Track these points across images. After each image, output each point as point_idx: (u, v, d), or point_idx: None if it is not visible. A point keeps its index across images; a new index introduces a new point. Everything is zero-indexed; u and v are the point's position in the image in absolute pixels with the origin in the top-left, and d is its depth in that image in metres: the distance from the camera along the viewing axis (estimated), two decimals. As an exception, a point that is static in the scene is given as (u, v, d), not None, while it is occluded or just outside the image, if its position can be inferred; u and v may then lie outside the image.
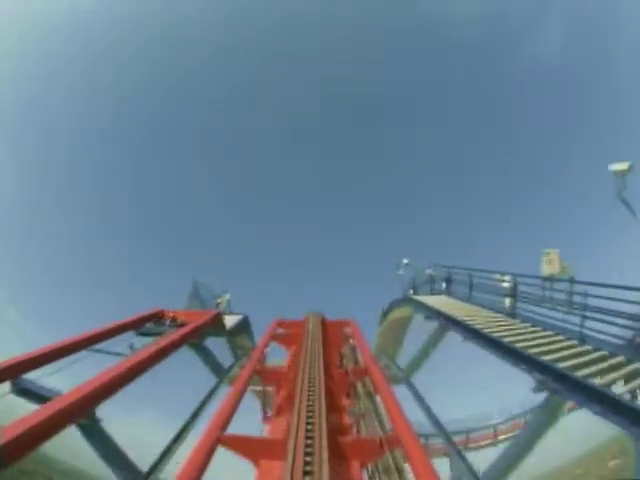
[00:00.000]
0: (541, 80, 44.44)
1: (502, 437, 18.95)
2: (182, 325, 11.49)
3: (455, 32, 44.97)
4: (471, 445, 18.96)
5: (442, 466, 7.86)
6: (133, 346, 9.48)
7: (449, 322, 10.26)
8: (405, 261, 17.97)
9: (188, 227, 64.49)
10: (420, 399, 11.05)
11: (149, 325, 11.70)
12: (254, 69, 57.67)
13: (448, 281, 14.07)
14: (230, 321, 15.07)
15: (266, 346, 9.38)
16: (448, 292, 14.04)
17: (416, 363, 12.92)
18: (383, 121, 58.52)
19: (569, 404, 6.10)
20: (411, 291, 16.76)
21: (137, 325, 11.35)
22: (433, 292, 15.46)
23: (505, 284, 10.65)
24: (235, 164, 63.13)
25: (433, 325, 11.45)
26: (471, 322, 9.41)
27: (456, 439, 14.33)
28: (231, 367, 11.45)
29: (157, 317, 12.17)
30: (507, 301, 10.22)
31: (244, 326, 15.73)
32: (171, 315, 12.18)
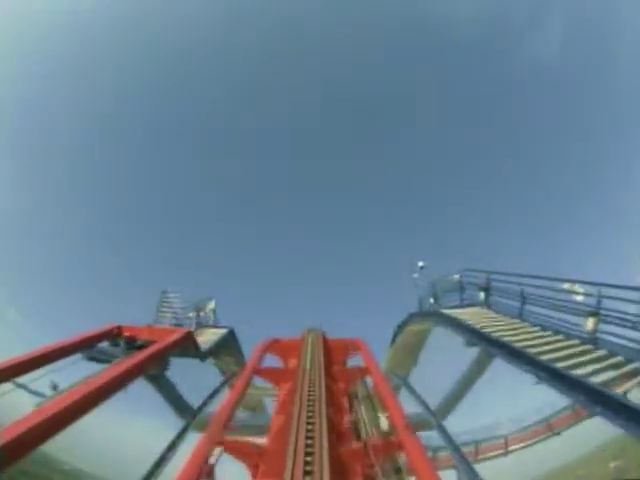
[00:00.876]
0: (541, 80, 44.24)
1: (514, 447, 17.69)
2: (142, 347, 8.72)
3: (455, 32, 44.76)
4: (480, 457, 17.60)
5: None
6: (56, 386, 6.83)
7: (503, 352, 7.31)
8: (420, 264, 15.02)
9: (186, 228, 62.57)
10: (455, 448, 8.01)
11: (102, 346, 9.03)
12: (254, 69, 56.52)
13: (486, 290, 11.04)
14: (212, 336, 12.25)
15: (243, 390, 6.53)
16: (487, 304, 11.01)
17: (451, 401, 9.87)
18: (382, 121, 57.18)
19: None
20: (431, 300, 13.74)
21: (86, 346, 8.67)
22: (463, 303, 12.51)
23: (579, 297, 7.65)
24: (234, 165, 61.51)
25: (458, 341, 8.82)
26: (542, 353, 6.47)
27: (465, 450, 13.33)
28: (200, 408, 8.53)
29: (112, 335, 9.40)
30: (589, 322, 7.22)
31: (229, 342, 12.89)
32: (127, 334, 9.40)
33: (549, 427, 16.90)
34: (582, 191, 46.57)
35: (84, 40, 59.48)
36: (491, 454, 17.30)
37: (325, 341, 9.70)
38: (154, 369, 8.64)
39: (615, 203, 43.09)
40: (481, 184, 57.61)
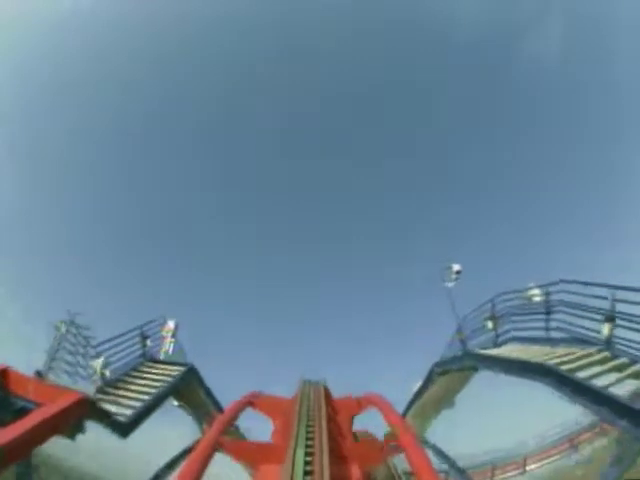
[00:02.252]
0: (541, 80, 43.30)
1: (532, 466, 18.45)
2: (24, 411, 5.69)
3: (455, 32, 43.88)
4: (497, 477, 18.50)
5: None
6: None
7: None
8: (456, 267, 11.65)
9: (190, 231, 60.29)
10: None
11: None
12: (253, 69, 54.90)
13: (611, 319, 7.06)
14: (164, 374, 9.12)
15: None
16: (607, 345, 7.14)
17: None
18: (382, 122, 54.95)
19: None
20: (489, 323, 10.18)
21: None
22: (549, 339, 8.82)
23: None
24: (234, 165, 59.37)
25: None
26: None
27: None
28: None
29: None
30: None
31: (188, 383, 9.71)
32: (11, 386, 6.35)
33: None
34: (581, 191, 45.36)
35: (84, 40, 58.61)
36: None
37: (328, 399, 6.50)
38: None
39: (614, 205, 41.06)
40: (481, 184, 55.45)
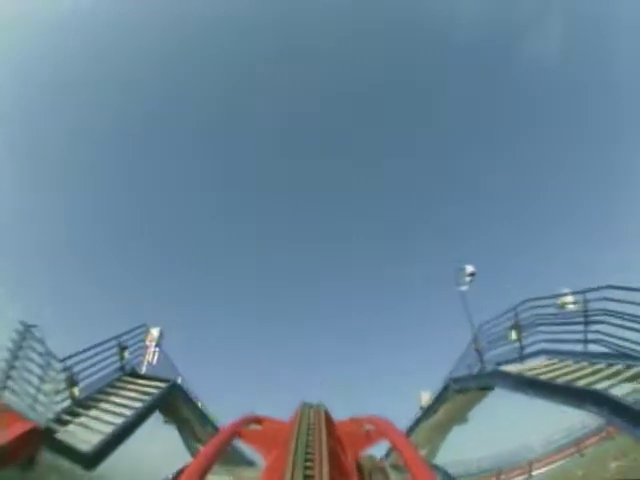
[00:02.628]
0: (541, 80, 42.65)
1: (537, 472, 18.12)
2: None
3: (455, 32, 43.22)
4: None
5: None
6: None
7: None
8: (470, 269, 10.52)
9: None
10: None
11: None
12: (253, 70, 54.26)
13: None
14: (144, 392, 7.99)
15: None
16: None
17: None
18: (382, 122, 54.10)
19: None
20: (512, 333, 8.94)
21: None
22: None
23: None
24: (234, 165, 58.54)
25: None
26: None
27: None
28: None
29: None
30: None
31: (171, 401, 8.55)
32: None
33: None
34: (581, 191, 44.98)
35: (83, 40, 58.23)
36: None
37: (330, 427, 5.40)
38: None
39: (614, 205, 40.40)
40: (481, 185, 54.81)
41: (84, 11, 58.41)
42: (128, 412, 7.06)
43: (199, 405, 10.02)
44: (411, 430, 13.11)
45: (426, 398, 17.10)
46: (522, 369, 7.28)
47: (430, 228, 55.78)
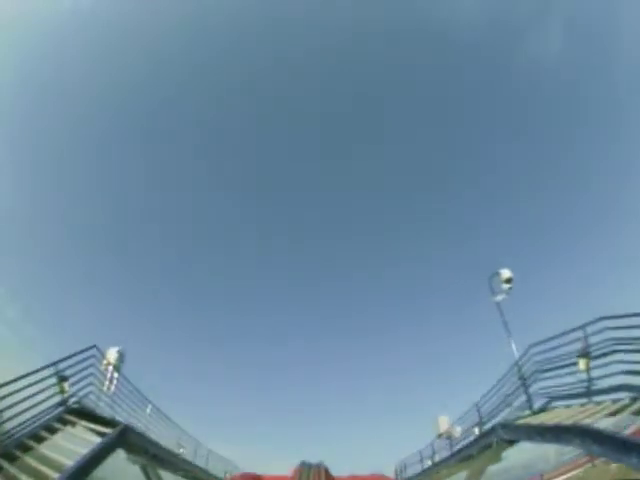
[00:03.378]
0: (541, 80, 41.44)
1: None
2: None
3: (454, 32, 42.10)
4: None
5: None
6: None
7: None
8: (507, 274, 8.38)
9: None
10: None
11: None
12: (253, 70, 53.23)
13: None
14: (85, 438, 5.93)
15: None
16: None
17: None
18: (382, 121, 52.63)
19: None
20: (581, 363, 6.71)
21: None
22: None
23: None
24: (234, 165, 57.15)
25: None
26: None
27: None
28: None
29: None
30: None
31: (125, 447, 6.46)
32: None
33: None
34: (580, 191, 44.24)
35: (83, 40, 57.61)
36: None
37: None
38: None
39: (614, 204, 39.18)
40: (480, 186, 53.52)
41: (84, 11, 57.70)
42: (55, 475, 5.03)
43: (163, 447, 7.96)
44: (433, 470, 10.90)
45: (445, 424, 14.84)
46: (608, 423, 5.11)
47: (429, 228, 53.84)
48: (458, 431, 12.68)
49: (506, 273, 8.68)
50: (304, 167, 57.70)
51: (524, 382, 7.87)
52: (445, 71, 47.68)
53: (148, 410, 8.22)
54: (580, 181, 46.34)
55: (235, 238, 57.48)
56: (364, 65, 50.82)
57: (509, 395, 8.25)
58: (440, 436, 14.15)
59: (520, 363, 7.96)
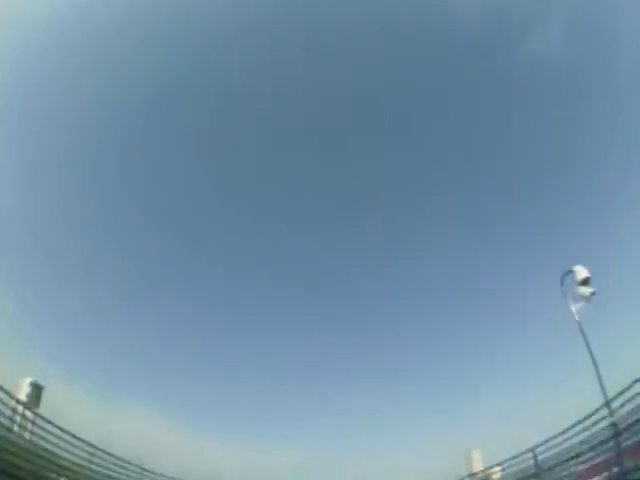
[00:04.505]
0: (541, 80, 39.61)
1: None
2: None
3: (455, 32, 40.34)
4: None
5: None
6: None
7: None
8: (583, 273, 5.85)
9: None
10: None
11: None
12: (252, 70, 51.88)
13: None
14: None
15: None
16: None
17: None
18: (382, 121, 50.84)
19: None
20: None
21: None
22: None
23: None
24: (234, 165, 55.56)
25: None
26: None
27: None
28: None
29: None
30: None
31: None
32: None
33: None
34: (580, 191, 42.52)
35: (82, 40, 56.99)
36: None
37: None
38: None
39: (613, 204, 37.17)
40: (480, 186, 51.59)
41: (84, 11, 57.29)
42: None
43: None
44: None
45: (478, 462, 12.29)
46: None
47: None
48: (498, 474, 10.15)
49: (582, 271, 6.16)
50: (308, 158, 55.79)
51: (617, 432, 5.36)
52: (444, 70, 46.06)
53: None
54: (580, 181, 44.79)
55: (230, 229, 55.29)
56: (363, 63, 49.18)
57: (594, 445, 5.73)
58: (473, 476, 11.59)
59: (614, 405, 5.43)
